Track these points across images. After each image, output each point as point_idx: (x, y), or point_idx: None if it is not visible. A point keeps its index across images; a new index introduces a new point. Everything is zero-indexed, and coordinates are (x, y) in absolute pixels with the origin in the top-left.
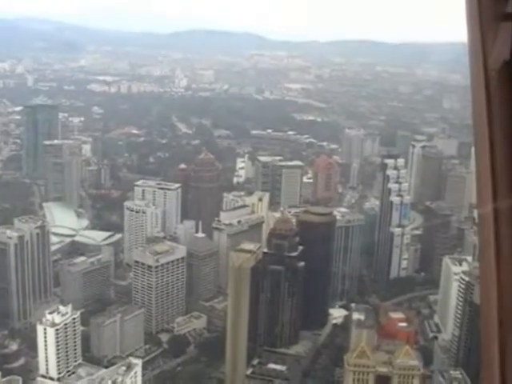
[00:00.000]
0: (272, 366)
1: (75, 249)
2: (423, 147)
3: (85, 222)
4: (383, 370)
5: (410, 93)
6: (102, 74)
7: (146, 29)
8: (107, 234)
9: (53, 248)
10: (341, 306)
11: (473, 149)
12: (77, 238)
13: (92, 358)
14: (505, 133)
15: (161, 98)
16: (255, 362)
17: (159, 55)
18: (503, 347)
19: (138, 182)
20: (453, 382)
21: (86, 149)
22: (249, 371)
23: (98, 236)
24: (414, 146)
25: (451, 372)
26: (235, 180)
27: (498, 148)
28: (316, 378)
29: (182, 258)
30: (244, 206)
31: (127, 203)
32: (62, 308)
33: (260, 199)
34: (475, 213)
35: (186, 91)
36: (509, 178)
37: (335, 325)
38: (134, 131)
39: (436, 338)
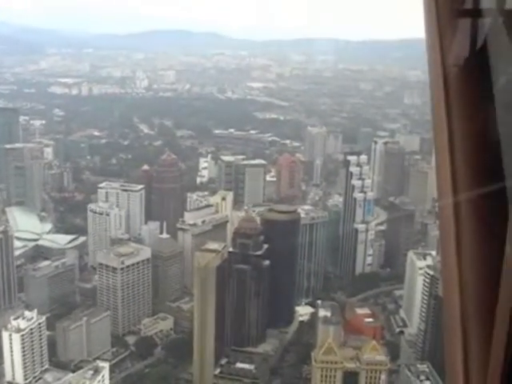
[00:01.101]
0: (240, 365)
1: (39, 253)
2: (385, 143)
3: (48, 226)
4: (351, 365)
5: (371, 90)
6: (62, 77)
7: (106, 30)
8: (71, 237)
9: (16, 253)
10: (307, 304)
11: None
12: (40, 242)
13: (59, 362)
14: (463, 128)
15: (122, 100)
16: (223, 361)
17: (120, 56)
18: (466, 339)
19: (101, 184)
20: (420, 376)
21: (48, 152)
22: (217, 371)
23: (61, 239)
24: (376, 143)
25: (418, 366)
26: (198, 180)
27: (457, 143)
28: (284, 376)
29: (147, 260)
30: (208, 206)
31: (91, 206)
32: (27, 313)
33: (224, 198)
34: (437, 209)
35: (147, 92)
36: (468, 171)
37: (302, 322)
38: (96, 133)
39: (402, 332)
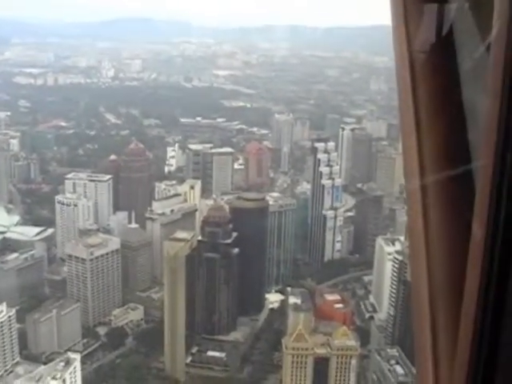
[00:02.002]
0: (211, 353)
1: (7, 246)
2: (352, 130)
3: (15, 218)
4: (321, 351)
5: (338, 76)
6: (27, 67)
7: (71, 19)
8: (39, 229)
9: None
10: (277, 291)
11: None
12: (8, 235)
13: (30, 355)
14: (429, 112)
15: (88, 89)
16: (194, 350)
17: (85, 45)
18: (434, 321)
19: (69, 175)
20: (390, 360)
21: (14, 143)
22: (188, 359)
23: (29, 231)
24: (343, 129)
25: (388, 350)
26: (166, 169)
27: (424, 127)
28: (255, 363)
29: (116, 250)
30: (176, 195)
31: (58, 197)
32: None
33: (192, 187)
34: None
35: (113, 81)
36: (435, 154)
37: (272, 309)
38: (63, 124)
39: (372, 317)
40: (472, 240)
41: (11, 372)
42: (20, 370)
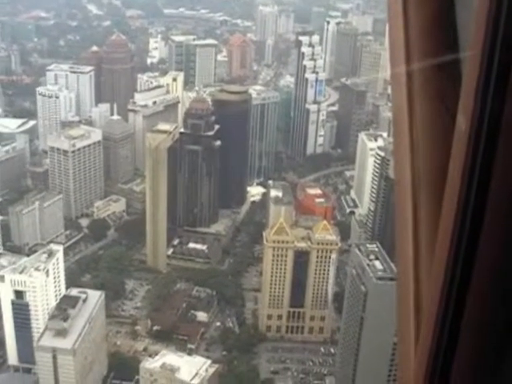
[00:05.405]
0: (192, 245)
1: None
2: (338, 23)
3: None
4: (302, 245)
5: None
6: None
7: None
8: (21, 121)
9: None
10: (258, 184)
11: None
12: None
13: (13, 246)
14: (418, 5)
15: None
16: (176, 242)
17: None
18: (416, 214)
19: (50, 67)
20: (369, 255)
21: None
22: (170, 251)
23: (11, 124)
24: (328, 23)
25: (368, 245)
26: (149, 61)
27: (412, 5)
28: (236, 255)
29: (98, 142)
30: (159, 87)
31: (39, 89)
32: None
33: (174, 79)
34: (389, 89)
35: None
36: (422, 43)
37: (253, 202)
38: (43, 14)
39: (353, 212)
40: (456, 131)
41: None
42: (3, 261)
